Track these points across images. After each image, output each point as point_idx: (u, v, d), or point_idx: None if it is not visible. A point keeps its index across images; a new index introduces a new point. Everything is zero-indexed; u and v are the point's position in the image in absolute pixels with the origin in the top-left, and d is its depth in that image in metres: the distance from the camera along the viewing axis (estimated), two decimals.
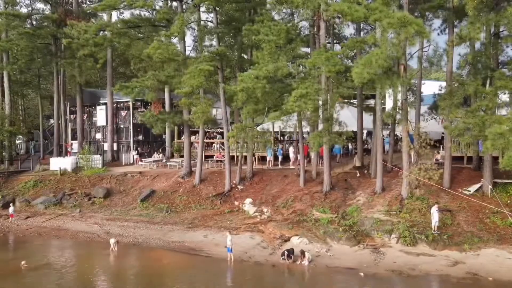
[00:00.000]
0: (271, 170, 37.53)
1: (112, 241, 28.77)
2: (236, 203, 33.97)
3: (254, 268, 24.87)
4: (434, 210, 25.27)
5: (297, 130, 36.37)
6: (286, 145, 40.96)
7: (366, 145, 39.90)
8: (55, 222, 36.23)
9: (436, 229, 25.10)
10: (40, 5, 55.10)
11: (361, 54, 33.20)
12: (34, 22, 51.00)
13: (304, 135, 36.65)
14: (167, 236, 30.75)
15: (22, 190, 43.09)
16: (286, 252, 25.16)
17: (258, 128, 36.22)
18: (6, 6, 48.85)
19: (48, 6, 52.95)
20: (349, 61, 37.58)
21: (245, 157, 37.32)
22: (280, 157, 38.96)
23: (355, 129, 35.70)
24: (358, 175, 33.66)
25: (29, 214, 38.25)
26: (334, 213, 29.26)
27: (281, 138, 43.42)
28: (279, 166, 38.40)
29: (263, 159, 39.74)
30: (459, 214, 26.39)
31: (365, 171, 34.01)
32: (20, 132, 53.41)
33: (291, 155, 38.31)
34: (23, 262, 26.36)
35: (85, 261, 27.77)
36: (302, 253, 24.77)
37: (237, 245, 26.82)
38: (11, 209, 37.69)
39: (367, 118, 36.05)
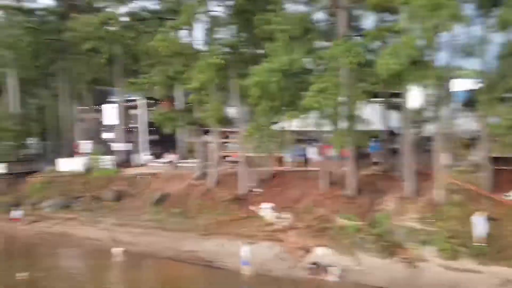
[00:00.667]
0: (290, 172, 34.38)
1: (115, 251, 26.13)
2: (253, 208, 31.05)
3: (273, 284, 22.11)
4: (478, 219, 22.02)
5: (318, 129, 33.30)
6: (307, 145, 37.83)
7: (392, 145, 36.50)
8: (62, 227, 33.95)
9: (480, 241, 21.85)
10: (44, 0, 52.60)
11: (385, 46, 30.00)
12: (38, 18, 48.51)
13: (326, 135, 33.45)
14: (179, 244, 28.05)
15: (30, 193, 40.71)
16: (309, 265, 22.28)
17: (276, 127, 33.13)
18: None
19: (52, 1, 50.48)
20: (372, 55, 34.30)
21: (263, 158, 34.40)
22: (300, 158, 35.84)
23: (379, 128, 32.50)
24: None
25: (36, 218, 36.00)
26: (361, 220, 26.17)
27: (301, 137, 40.27)
28: (299, 168, 35.27)
29: (282, 160, 36.68)
30: (505, 223, 23.02)
31: (394, 173, 30.80)
32: (29, 132, 51.09)
33: (312, 156, 35.23)
34: (17, 275, 23.89)
35: (86, 275, 25.30)
36: (327, 266, 21.85)
37: (254, 256, 24.01)
38: (17, 213, 35.35)
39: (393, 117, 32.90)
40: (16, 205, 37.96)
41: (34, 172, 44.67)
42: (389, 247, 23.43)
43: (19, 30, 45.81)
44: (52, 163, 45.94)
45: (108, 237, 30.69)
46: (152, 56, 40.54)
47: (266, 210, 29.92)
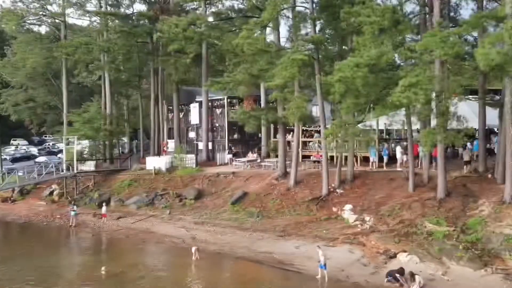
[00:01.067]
0: (374, 173, 32.28)
1: (194, 249, 25.55)
2: (334, 209, 29.34)
3: None
4: None
5: (405, 127, 30.89)
6: (392, 144, 35.41)
7: (489, 145, 33.15)
8: (144, 223, 33.92)
9: None
10: (138, 6, 54.36)
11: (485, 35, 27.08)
12: (131, 22, 49.96)
13: (413, 133, 30.94)
14: (256, 245, 26.90)
15: (118, 189, 41.53)
16: (392, 273, 20.27)
17: (360, 126, 31.15)
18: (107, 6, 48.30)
19: (145, 6, 51.86)
20: (469, 46, 31.36)
21: (345, 157, 32.54)
22: (385, 158, 33.53)
23: (475, 126, 29.53)
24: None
25: (121, 214, 36.36)
26: (451, 225, 23.61)
27: (386, 136, 37.88)
28: (384, 168, 33.00)
29: (365, 160, 34.57)
30: None
31: (489, 175, 27.78)
32: (120, 131, 52.70)
33: (398, 155, 32.82)
34: (102, 269, 24.00)
35: (164, 271, 24.90)
36: (412, 275, 19.72)
37: (333, 260, 22.36)
38: (103, 209, 36.07)
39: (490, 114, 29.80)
40: (105, 201, 38.77)
41: (124, 169, 45.81)
42: (483, 256, 20.81)
43: (113, 34, 47.40)
44: (141, 161, 47.04)
45: (187, 235, 30.24)
46: (236, 55, 40.24)
47: (348, 211, 28.12)
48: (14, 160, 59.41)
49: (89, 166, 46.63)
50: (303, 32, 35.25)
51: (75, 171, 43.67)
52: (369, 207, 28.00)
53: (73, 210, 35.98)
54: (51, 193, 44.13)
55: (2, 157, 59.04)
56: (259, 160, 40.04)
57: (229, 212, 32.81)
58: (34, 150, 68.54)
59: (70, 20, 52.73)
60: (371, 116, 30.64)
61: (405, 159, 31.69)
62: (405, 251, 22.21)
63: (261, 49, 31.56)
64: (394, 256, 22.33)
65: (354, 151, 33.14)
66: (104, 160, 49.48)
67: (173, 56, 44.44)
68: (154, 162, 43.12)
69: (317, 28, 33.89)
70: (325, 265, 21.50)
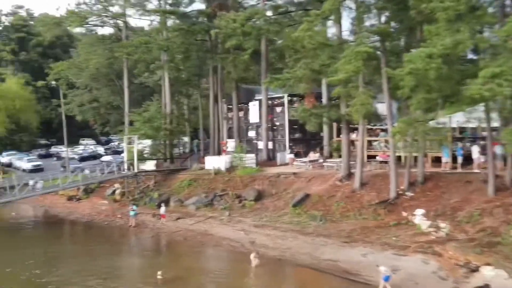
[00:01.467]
0: (448, 174, 29.14)
1: (253, 255, 23.80)
2: (404, 214, 26.67)
3: None
4: None
5: (482, 125, 27.72)
6: (468, 144, 32.06)
7: None
8: (203, 225, 32.60)
9: None
10: (197, 5, 53.35)
11: None
12: (189, 20, 48.93)
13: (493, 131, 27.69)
14: (319, 251, 24.76)
15: (177, 189, 40.56)
16: None
17: (431, 123, 28.17)
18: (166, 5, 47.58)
19: (204, 4, 50.68)
20: None
21: (415, 158, 29.71)
22: (460, 159, 30.30)
23: None
24: None
25: (180, 215, 35.25)
26: None
27: (461, 134, 34.50)
28: (459, 170, 29.80)
29: (437, 160, 31.47)
30: None
31: None
32: (180, 131, 51.90)
33: (475, 155, 29.55)
34: (159, 273, 22.75)
35: (222, 277, 23.34)
36: None
37: (404, 271, 20.00)
38: (162, 209, 35.12)
39: None
40: (164, 201, 37.90)
41: (184, 169, 44.87)
42: None
43: (172, 32, 46.64)
44: (200, 160, 45.91)
45: (246, 238, 28.55)
46: (296, 51, 38.21)
47: (419, 217, 25.41)
48: (82, 159, 61.02)
49: (150, 165, 46.04)
50: (367, 24, 32.74)
51: (136, 171, 43.15)
52: (443, 213, 25.12)
53: (133, 210, 35.32)
54: (113, 192, 43.99)
55: (71, 156, 60.67)
56: (321, 160, 37.70)
57: (290, 215, 30.83)
58: (100, 149, 69.56)
59: (130, 21, 52.74)
60: (444, 112, 27.66)
61: (482, 159, 28.45)
62: (489, 264, 19.38)
63: (323, 42, 29.49)
64: (476, 269, 19.53)
65: (425, 151, 30.20)
66: (165, 160, 48.83)
67: (231, 54, 43.02)
68: (213, 162, 41.80)
69: (382, 20, 31.40)
70: (389, 277, 19.14)
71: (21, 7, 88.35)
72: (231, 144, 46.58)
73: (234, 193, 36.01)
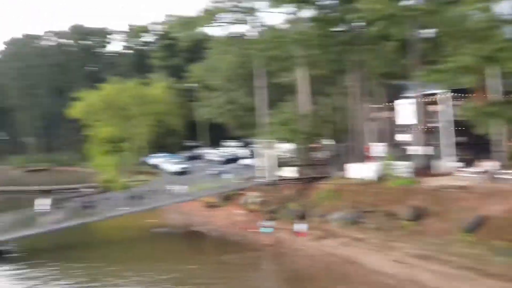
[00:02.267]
0: None
1: None
2: None
3: None
4: None
5: None
6: None
7: None
8: (348, 249, 26.67)
9: None
10: None
11: None
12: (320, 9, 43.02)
13: None
14: None
15: (318, 201, 34.76)
16: None
17: None
18: None
19: None
20: None
21: None
22: None
23: None
24: None
25: (321, 234, 29.79)
26: None
27: None
28: None
29: None
30: None
31: None
32: (320, 134, 46.04)
33: None
34: None
35: None
36: None
37: None
38: (302, 226, 29.78)
39: None
40: (302, 214, 32.52)
41: (324, 177, 38.89)
42: None
43: (307, 23, 41.32)
44: (342, 167, 39.52)
45: (404, 273, 21.84)
46: (457, 35, 30.44)
47: None
48: (227, 161, 59.76)
49: (290, 172, 40.92)
50: None
51: (275, 178, 38.47)
52: None
53: (269, 227, 30.43)
54: (249, 201, 39.67)
55: (214, 159, 59.14)
56: (496, 171, 29.02)
57: (461, 244, 23.35)
58: (240, 152, 66.89)
59: (262, 16, 48.33)
60: None
61: None
62: None
63: (494, 20, 22.21)
64: None
65: None
66: (305, 166, 43.28)
67: (375, 45, 36.15)
68: (357, 170, 35.38)
69: None
70: None
71: (171, 15, 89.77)
72: (377, 149, 39.43)
73: (385, 210, 29.23)
